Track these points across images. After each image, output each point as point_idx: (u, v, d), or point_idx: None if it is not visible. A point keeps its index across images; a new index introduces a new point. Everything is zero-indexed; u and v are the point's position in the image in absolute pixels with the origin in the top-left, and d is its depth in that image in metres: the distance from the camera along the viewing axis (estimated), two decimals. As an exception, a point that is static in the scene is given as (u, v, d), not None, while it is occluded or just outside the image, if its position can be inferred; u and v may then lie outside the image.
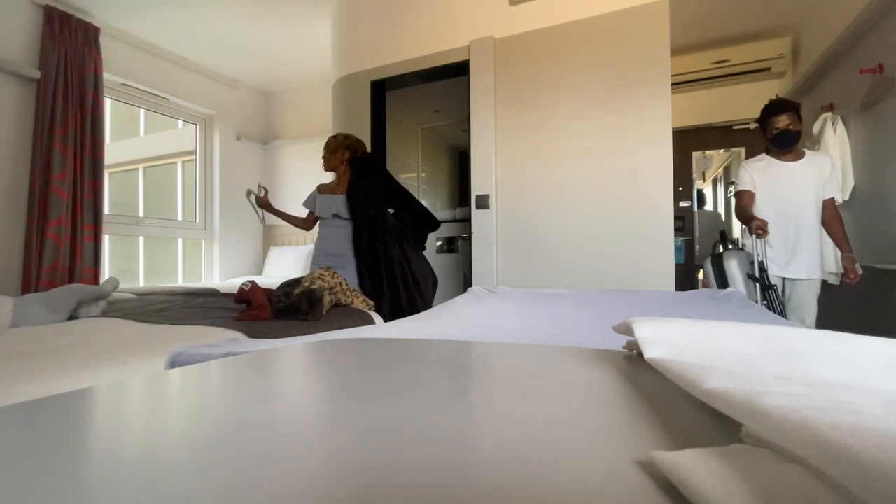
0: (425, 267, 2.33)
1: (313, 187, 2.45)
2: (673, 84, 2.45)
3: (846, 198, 2.58)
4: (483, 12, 2.56)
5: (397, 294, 2.19)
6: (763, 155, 2.28)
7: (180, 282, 4.01)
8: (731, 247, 2.81)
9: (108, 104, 3.52)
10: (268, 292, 1.87)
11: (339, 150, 2.34)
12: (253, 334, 1.43)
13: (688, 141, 3.99)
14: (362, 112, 2.92)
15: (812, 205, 2.16)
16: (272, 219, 4.45)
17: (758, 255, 2.12)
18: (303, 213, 2.48)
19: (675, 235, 2.47)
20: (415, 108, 3.97)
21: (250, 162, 4.50)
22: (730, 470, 0.21)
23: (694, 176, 4.19)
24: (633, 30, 2.22)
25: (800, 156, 2.20)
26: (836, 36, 2.59)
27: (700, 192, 4.58)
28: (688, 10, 3.04)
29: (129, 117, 6.39)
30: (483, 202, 2.52)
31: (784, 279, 2.23)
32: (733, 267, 2.27)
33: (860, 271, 2.16)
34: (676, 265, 2.18)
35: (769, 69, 3.45)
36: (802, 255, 2.16)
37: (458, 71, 2.66)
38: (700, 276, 3.83)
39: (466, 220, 2.68)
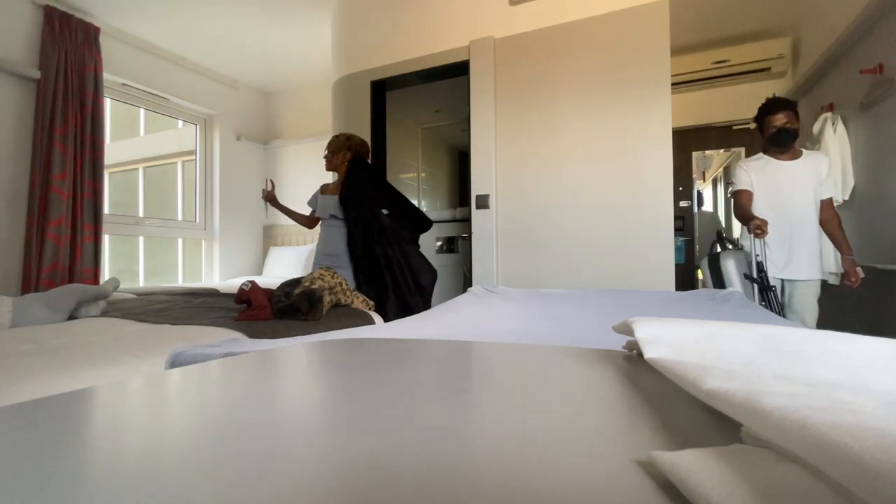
0: (425, 265, 2.33)
1: (313, 187, 2.45)
2: (673, 84, 2.45)
3: (846, 198, 2.58)
4: (483, 12, 2.56)
5: (401, 295, 2.19)
6: (760, 154, 2.28)
7: (180, 282, 4.01)
8: (729, 247, 2.81)
9: (108, 104, 3.52)
10: (268, 292, 1.87)
11: (341, 151, 2.34)
12: (253, 334, 1.43)
13: (688, 141, 3.99)
14: (362, 112, 2.92)
15: (810, 205, 2.15)
16: (272, 218, 4.50)
17: (756, 255, 2.12)
18: (308, 211, 2.49)
19: (675, 235, 2.47)
20: (415, 108, 3.97)
21: (250, 162, 4.50)
22: (730, 470, 0.21)
23: (694, 176, 4.19)
24: (633, 30, 2.22)
25: (797, 155, 2.20)
26: (835, 36, 2.59)
27: (699, 194, 4.58)
28: (688, 10, 3.04)
29: (129, 117, 6.39)
30: (483, 202, 2.52)
31: (783, 280, 2.22)
32: (730, 267, 2.27)
33: (862, 274, 2.14)
34: (676, 265, 2.18)
35: (769, 69, 3.45)
36: (801, 256, 2.15)
37: (458, 71, 2.65)
38: (699, 275, 3.83)
39: (466, 220, 2.67)
